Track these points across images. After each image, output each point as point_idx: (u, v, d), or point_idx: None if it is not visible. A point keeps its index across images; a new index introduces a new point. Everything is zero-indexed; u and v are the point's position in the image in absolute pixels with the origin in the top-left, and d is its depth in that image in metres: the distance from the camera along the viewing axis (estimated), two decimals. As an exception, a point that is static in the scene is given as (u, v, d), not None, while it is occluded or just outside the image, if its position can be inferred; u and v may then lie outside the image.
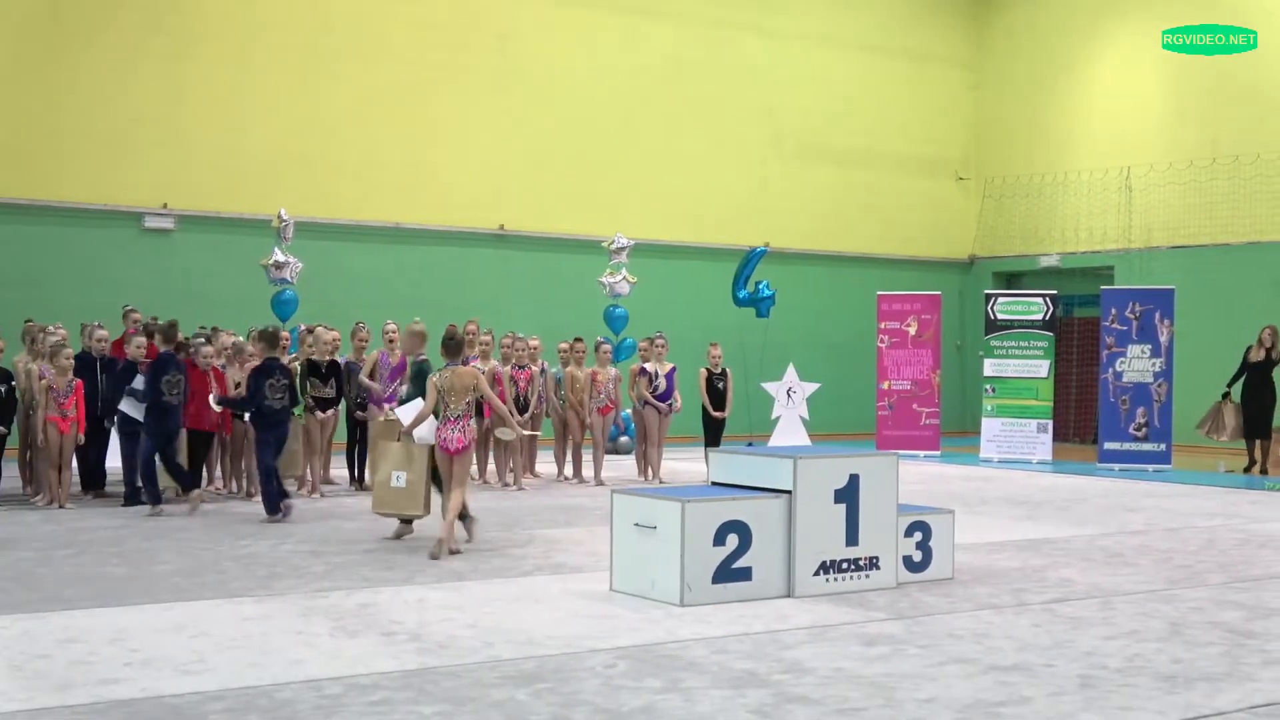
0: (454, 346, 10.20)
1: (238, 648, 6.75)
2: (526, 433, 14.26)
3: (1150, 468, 18.93)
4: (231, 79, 20.14)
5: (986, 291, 21.91)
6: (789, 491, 8.46)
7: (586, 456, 16.28)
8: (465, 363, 10.84)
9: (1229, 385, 18.73)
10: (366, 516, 12.31)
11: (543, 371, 15.98)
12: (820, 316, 25.12)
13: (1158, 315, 19.40)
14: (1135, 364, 19.37)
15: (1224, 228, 23.18)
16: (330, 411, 14.16)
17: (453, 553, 9.88)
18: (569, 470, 16.22)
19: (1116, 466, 19.04)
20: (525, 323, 19.67)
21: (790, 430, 19.99)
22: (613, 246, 19.94)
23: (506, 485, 15.20)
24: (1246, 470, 18.55)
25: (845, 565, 8.66)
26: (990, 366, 20.68)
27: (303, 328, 15.26)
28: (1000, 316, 20.69)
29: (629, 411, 18.14)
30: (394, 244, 21.22)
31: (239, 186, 20.04)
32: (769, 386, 19.79)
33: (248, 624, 7.35)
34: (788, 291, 23.01)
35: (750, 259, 20.97)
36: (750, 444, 18.26)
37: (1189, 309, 21.56)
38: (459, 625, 7.39)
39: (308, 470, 14.10)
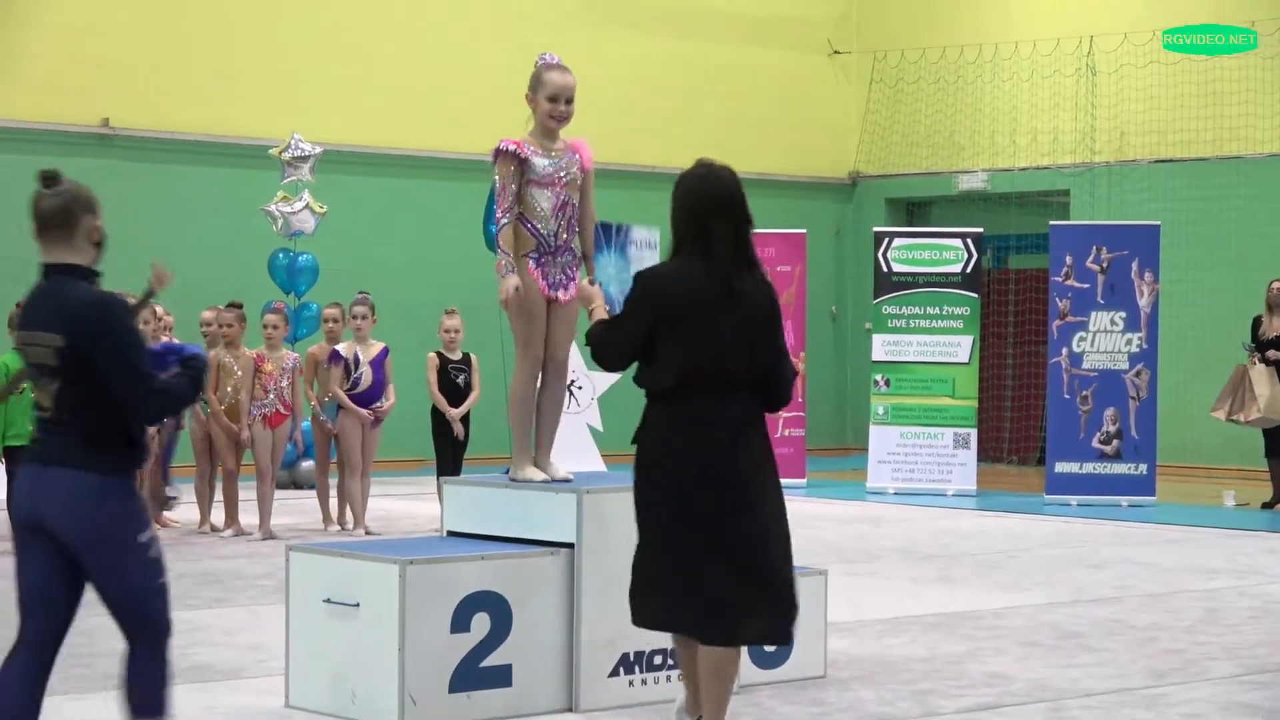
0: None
1: None
2: None
3: (1124, 501, 19.52)
4: None
5: (877, 229, 22.26)
6: (570, 545, 8.51)
7: (246, 493, 16.10)
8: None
9: (1249, 345, 19.07)
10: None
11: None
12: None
13: (1135, 266, 19.95)
14: (1102, 341, 19.93)
15: (1234, 132, 23.90)
16: None
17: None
18: (217, 516, 16.02)
19: (1073, 500, 19.61)
20: (144, 276, 19.34)
21: (573, 448, 20.08)
22: (288, 155, 19.73)
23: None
24: (1269, 505, 19.24)
25: (659, 660, 8.75)
26: (882, 346, 21.04)
27: None
28: (898, 268, 21.05)
29: (313, 420, 18.01)
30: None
31: None
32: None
33: None
34: (568, 228, 23.11)
35: (509, 177, 20.94)
36: (510, 470, 18.24)
37: (1183, 256, 22.24)
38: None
39: None
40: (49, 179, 6.39)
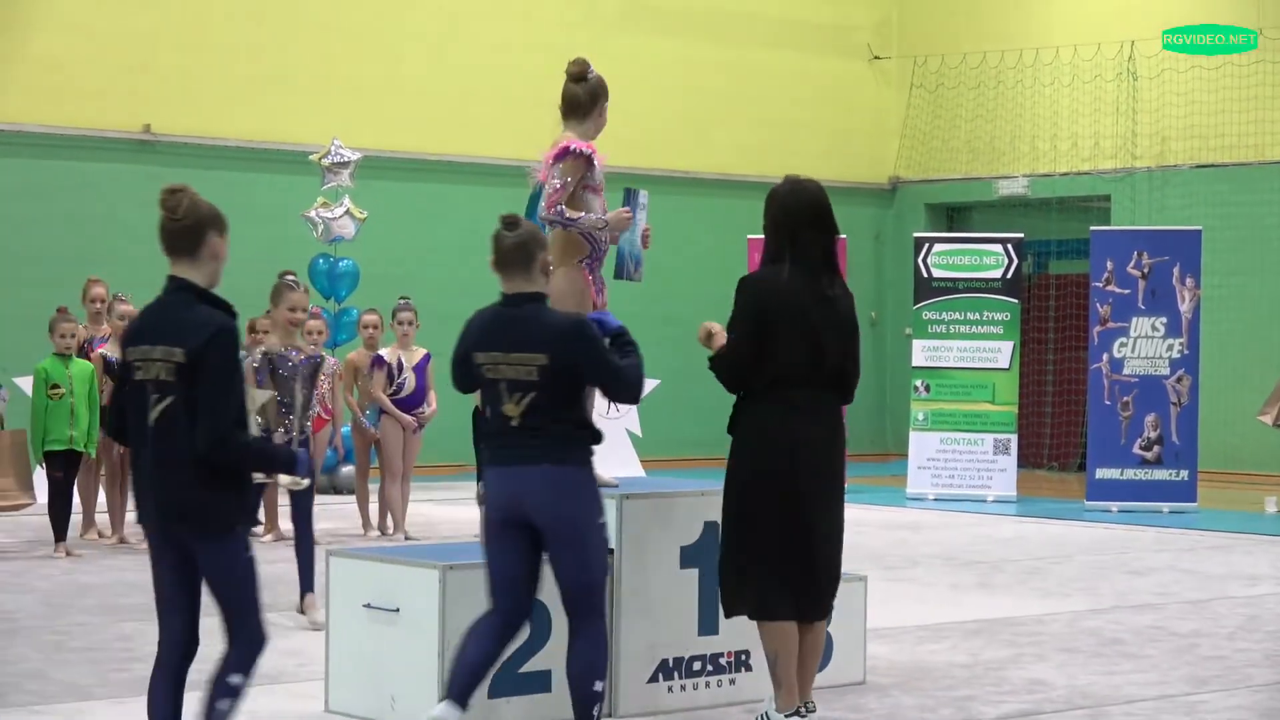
0: None
1: None
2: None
3: (1165, 507, 19.49)
4: None
5: (917, 234, 22.24)
6: (610, 551, 8.50)
7: (286, 498, 16.12)
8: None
9: None
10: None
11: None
12: (660, 272, 25.20)
13: (1177, 271, 19.92)
14: (1143, 347, 19.88)
15: (1276, 137, 23.77)
16: None
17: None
18: (259, 519, 16.07)
19: (1114, 506, 19.57)
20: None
21: (612, 453, 20.09)
22: (328, 161, 19.76)
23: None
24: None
25: (699, 666, 8.75)
26: (922, 352, 21.02)
27: None
28: (938, 273, 21.03)
29: (354, 425, 18.05)
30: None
31: None
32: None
33: None
34: (607, 233, 23.12)
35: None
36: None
37: (1224, 262, 22.15)
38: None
39: None
40: (510, 223, 7.40)
